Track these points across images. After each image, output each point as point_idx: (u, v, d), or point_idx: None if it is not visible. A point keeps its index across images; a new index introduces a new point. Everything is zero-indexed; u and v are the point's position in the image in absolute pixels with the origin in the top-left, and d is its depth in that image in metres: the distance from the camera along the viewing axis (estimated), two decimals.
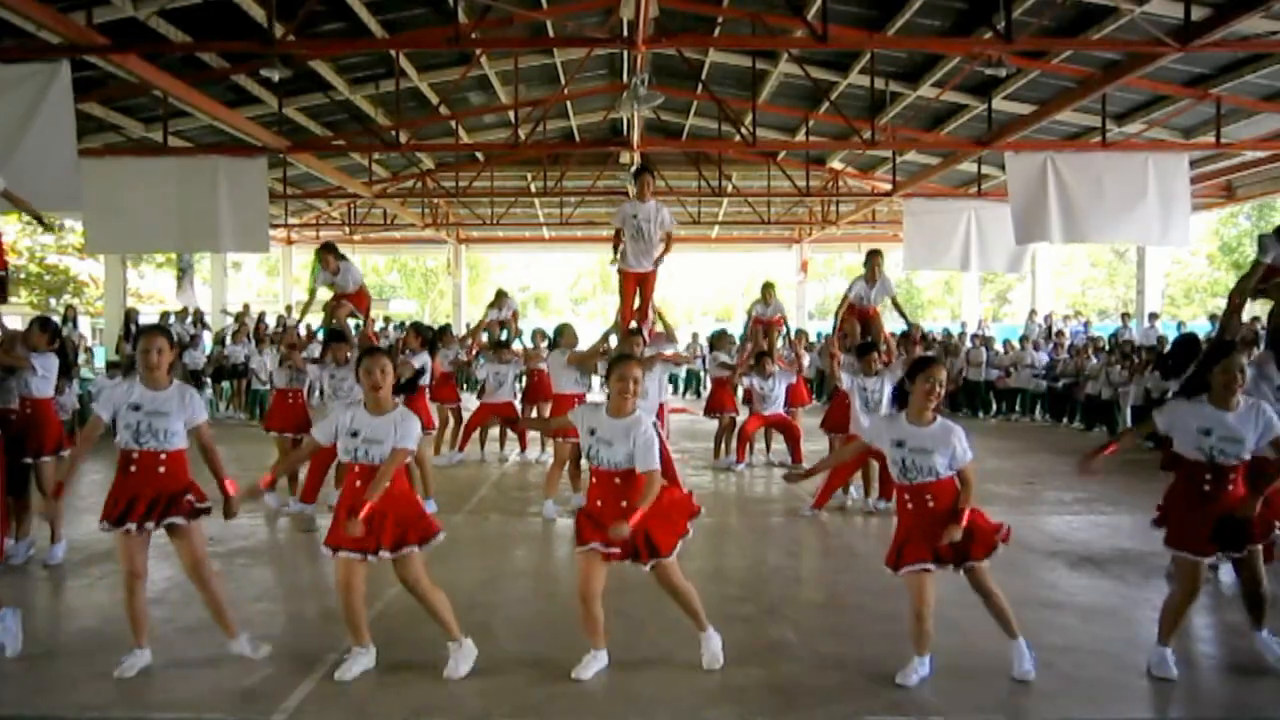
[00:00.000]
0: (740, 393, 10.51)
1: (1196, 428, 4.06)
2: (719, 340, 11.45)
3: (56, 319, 10.57)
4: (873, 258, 9.02)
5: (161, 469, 4.17)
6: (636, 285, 7.86)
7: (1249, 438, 4.02)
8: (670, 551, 4.11)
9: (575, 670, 4.12)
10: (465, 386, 11.13)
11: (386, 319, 21.25)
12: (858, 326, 8.84)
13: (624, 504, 4.02)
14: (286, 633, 4.79)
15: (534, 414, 10.76)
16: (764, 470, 10.18)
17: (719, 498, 8.62)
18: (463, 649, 4.22)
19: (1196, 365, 4.33)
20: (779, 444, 10.53)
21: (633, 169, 8.40)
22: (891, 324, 11.01)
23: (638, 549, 4.03)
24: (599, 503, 4.12)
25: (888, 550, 4.19)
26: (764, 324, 10.62)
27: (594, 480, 4.18)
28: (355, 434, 4.12)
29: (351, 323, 8.53)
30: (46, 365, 6.18)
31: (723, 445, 10.55)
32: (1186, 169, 11.36)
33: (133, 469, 4.17)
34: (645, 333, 7.67)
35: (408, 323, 11.73)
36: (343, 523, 4.03)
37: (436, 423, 10.77)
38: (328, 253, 8.43)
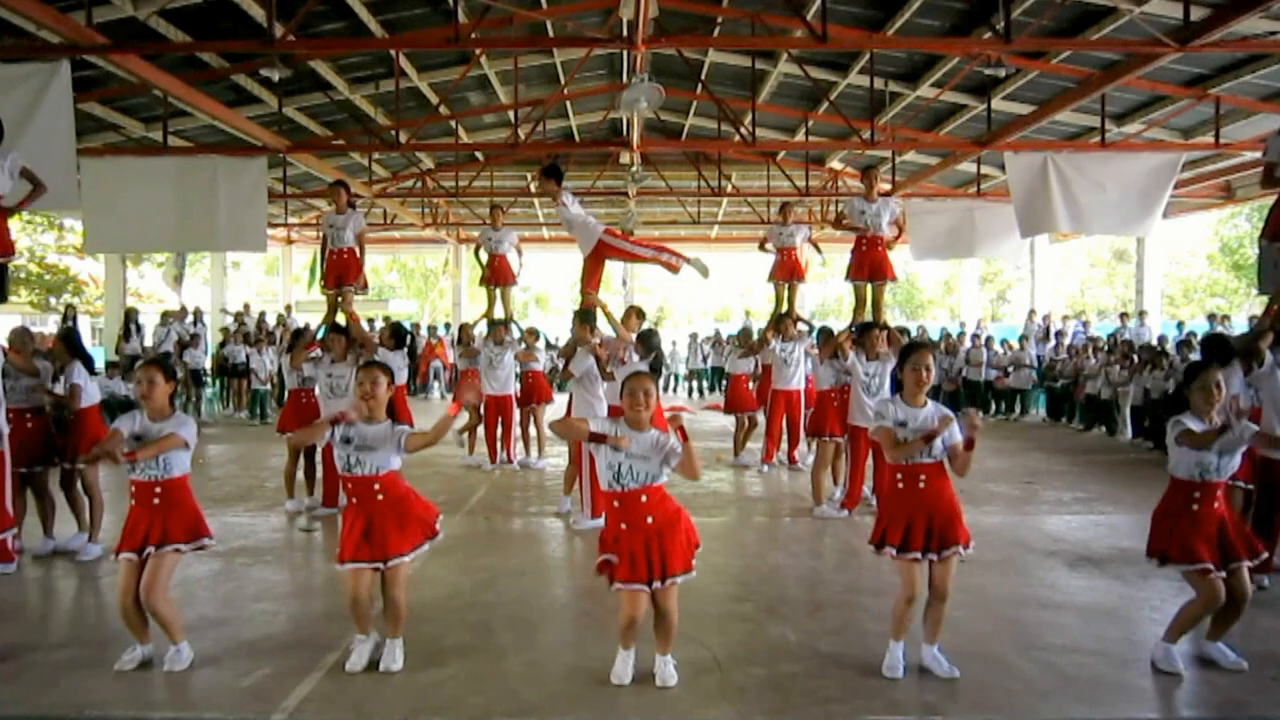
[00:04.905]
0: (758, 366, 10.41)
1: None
2: (741, 337, 11.54)
3: (56, 319, 10.58)
4: (868, 173, 8.29)
5: (156, 500, 4.23)
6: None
7: (1237, 451, 4.16)
8: (680, 574, 3.96)
9: (614, 674, 4.07)
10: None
11: (386, 319, 21.25)
12: (868, 288, 8.18)
13: (649, 520, 3.92)
14: (286, 632, 4.79)
15: (528, 418, 10.71)
16: (765, 470, 10.15)
17: (719, 497, 8.62)
18: (399, 645, 4.31)
19: (1179, 384, 4.47)
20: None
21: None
22: (894, 322, 10.97)
23: (654, 568, 3.91)
24: (623, 526, 3.94)
25: (872, 530, 4.26)
26: (787, 265, 10.24)
27: (617, 505, 3.95)
28: (348, 441, 4.17)
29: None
30: (83, 375, 6.43)
31: (741, 443, 10.61)
32: (1180, 162, 11.42)
33: (133, 501, 4.27)
34: (593, 321, 7.45)
35: (387, 320, 11.71)
36: (353, 541, 4.13)
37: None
38: (340, 188, 8.31)
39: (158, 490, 4.23)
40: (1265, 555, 4.38)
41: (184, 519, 4.28)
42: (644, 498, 3.94)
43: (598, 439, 3.95)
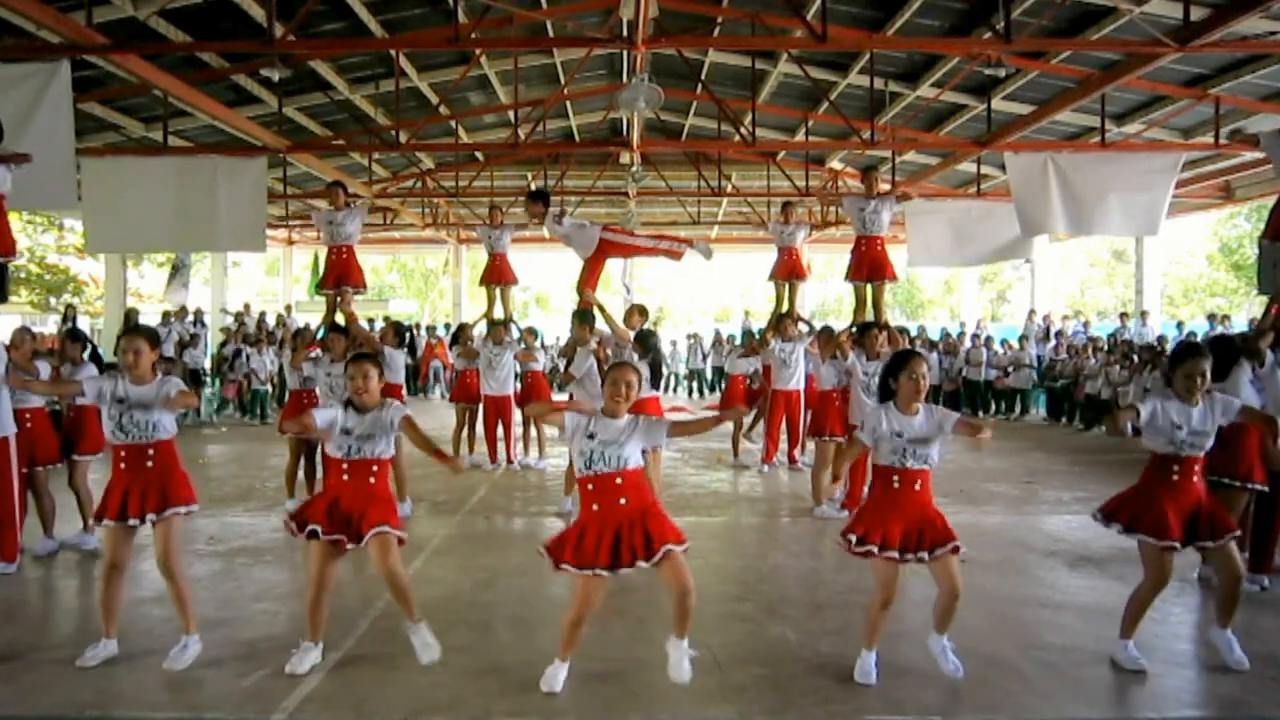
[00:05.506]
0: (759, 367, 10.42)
1: (1171, 422, 4.26)
2: (747, 340, 11.60)
3: (56, 320, 10.60)
4: (869, 173, 8.30)
5: (150, 462, 4.29)
6: None
7: (1212, 429, 4.28)
8: (675, 540, 3.81)
9: (544, 682, 3.98)
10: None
11: (386, 319, 21.24)
12: (868, 288, 8.17)
13: (623, 501, 3.86)
14: (286, 632, 4.78)
15: (528, 418, 10.68)
16: (765, 470, 10.15)
17: (719, 497, 8.61)
18: (423, 629, 4.23)
19: (1165, 367, 4.57)
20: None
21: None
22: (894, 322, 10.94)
23: (635, 549, 3.80)
24: (595, 508, 3.89)
25: (848, 522, 4.22)
26: (788, 265, 10.19)
27: (591, 489, 3.90)
28: (348, 431, 4.21)
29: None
30: (89, 374, 6.43)
31: (739, 443, 10.70)
32: (1180, 162, 11.41)
33: (122, 465, 4.30)
34: (592, 321, 7.58)
35: (387, 320, 11.72)
36: (320, 511, 4.11)
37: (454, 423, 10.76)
38: (337, 188, 8.41)
39: (151, 452, 4.29)
40: (1238, 533, 4.42)
41: (177, 482, 4.34)
42: (619, 480, 3.89)
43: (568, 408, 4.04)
